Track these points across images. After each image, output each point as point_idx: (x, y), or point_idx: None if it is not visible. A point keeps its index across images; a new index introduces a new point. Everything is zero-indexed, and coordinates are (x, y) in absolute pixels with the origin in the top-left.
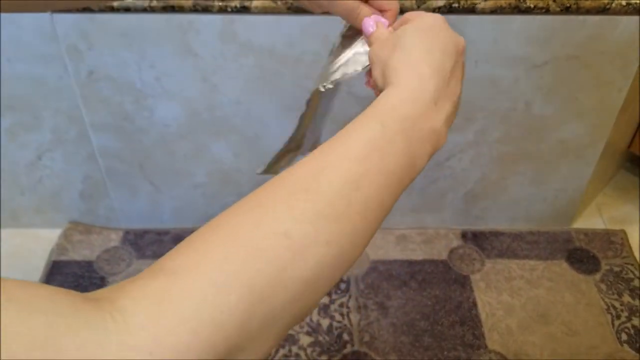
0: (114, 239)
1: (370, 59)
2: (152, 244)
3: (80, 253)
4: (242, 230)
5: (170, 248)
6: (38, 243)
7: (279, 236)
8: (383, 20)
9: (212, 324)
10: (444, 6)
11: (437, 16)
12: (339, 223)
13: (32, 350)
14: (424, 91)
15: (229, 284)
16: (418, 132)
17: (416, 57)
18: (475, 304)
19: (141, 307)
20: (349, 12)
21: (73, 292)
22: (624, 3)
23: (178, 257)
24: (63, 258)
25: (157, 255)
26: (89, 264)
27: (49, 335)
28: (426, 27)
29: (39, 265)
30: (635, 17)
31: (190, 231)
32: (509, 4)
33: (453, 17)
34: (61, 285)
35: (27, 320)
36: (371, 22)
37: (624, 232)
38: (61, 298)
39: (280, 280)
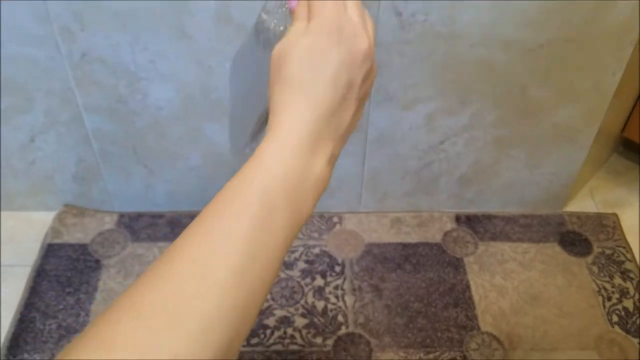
0: (109, 222)
1: (271, 57)
2: (147, 227)
3: (74, 236)
4: (133, 352)
5: (165, 231)
6: (32, 226)
7: None
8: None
9: None
10: None
11: (332, 23)
12: (228, 321)
13: None
14: (300, 142)
15: None
16: (298, 189)
17: (296, 97)
18: (468, 286)
19: None
20: None
21: None
22: None
23: None
24: (57, 241)
25: (152, 238)
26: (83, 247)
27: None
28: (317, 44)
29: (34, 248)
30: (631, 1)
31: (185, 214)
32: None
33: (448, 1)
34: (57, 267)
35: None
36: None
37: (616, 215)
38: None
39: None
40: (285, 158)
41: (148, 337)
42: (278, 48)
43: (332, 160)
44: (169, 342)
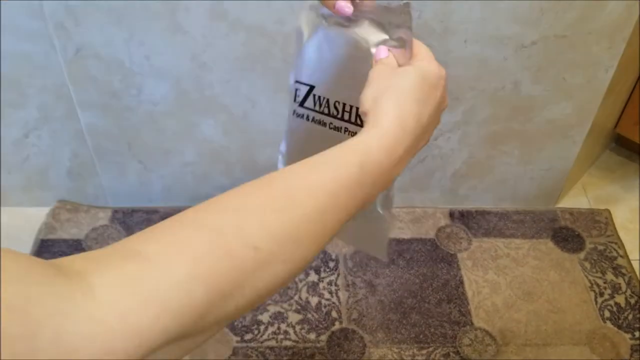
0: (103, 218)
1: (370, 76)
2: (141, 222)
3: (68, 232)
4: (216, 233)
5: None
6: (26, 221)
7: (249, 248)
8: (396, 51)
9: (173, 313)
10: None
11: (442, 70)
12: (298, 246)
13: (5, 315)
14: (401, 145)
15: (197, 281)
16: (382, 179)
17: (408, 108)
18: (462, 282)
19: (112, 286)
20: None
21: (47, 263)
22: None
23: (153, 243)
24: (51, 237)
25: None
26: (77, 243)
27: (21, 302)
28: (429, 78)
29: (27, 244)
30: (622, 0)
31: (179, 210)
32: None
33: None
34: None
35: (4, 286)
36: (385, 51)
37: (608, 211)
38: (37, 268)
39: (241, 287)
40: (387, 150)
41: (236, 223)
42: (408, 68)
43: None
44: (255, 233)
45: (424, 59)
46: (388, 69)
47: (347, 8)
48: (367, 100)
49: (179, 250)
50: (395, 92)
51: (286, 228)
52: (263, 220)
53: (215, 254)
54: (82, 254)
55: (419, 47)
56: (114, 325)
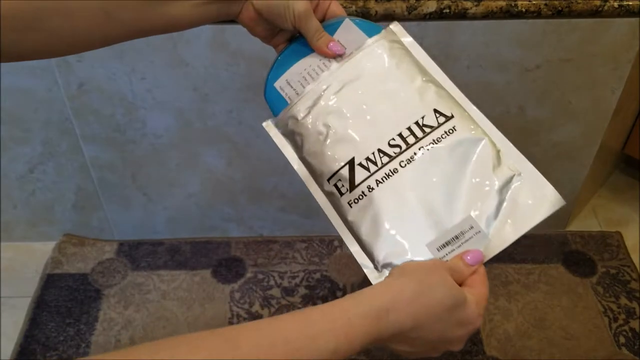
0: (109, 251)
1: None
2: (146, 255)
3: (74, 266)
4: None
5: (165, 259)
6: (32, 256)
7: None
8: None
9: None
10: (435, 12)
11: (478, 321)
12: None
13: None
14: (373, 336)
15: None
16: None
17: (417, 310)
18: None
19: None
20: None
21: None
22: (616, 5)
23: None
24: (57, 271)
25: (152, 266)
26: (83, 277)
27: None
28: (461, 312)
29: (34, 279)
30: (627, 19)
31: (184, 241)
32: (500, 8)
33: (444, 23)
34: (57, 298)
35: None
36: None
37: (619, 233)
38: None
39: None
40: (357, 340)
41: None
42: (458, 291)
43: None
44: None
45: (481, 296)
46: (435, 269)
47: (340, 48)
48: (397, 268)
49: None
50: (421, 303)
51: None
52: None
53: None
54: None
55: (474, 279)
56: None
